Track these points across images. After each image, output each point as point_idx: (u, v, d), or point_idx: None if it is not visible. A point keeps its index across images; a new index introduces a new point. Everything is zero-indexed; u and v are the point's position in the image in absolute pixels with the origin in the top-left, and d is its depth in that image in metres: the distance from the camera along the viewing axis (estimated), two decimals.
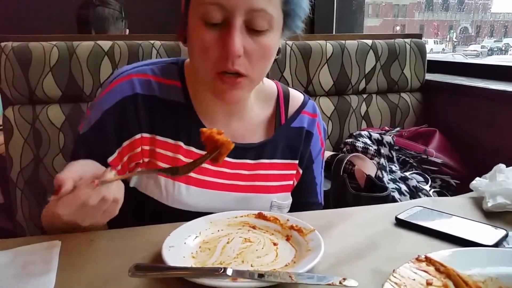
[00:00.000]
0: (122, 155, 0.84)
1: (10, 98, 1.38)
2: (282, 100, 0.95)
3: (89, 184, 0.62)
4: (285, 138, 0.93)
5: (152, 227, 0.78)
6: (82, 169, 0.67)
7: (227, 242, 0.70)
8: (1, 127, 1.40)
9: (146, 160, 0.86)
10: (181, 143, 0.86)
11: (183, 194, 0.85)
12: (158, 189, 0.85)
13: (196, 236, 0.72)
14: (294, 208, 0.95)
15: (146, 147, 0.85)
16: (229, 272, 0.57)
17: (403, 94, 1.79)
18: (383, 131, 1.60)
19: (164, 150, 0.85)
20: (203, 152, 0.86)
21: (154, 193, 0.85)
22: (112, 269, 0.63)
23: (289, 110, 0.95)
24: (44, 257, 0.65)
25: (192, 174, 0.86)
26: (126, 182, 0.86)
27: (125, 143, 0.84)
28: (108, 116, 0.83)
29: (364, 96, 1.74)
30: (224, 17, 0.74)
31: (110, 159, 0.83)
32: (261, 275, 0.57)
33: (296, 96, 0.98)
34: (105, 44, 1.44)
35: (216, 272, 0.57)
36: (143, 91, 0.84)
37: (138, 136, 0.84)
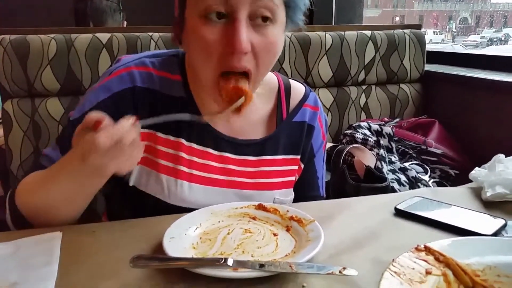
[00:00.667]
0: None
1: (9, 91, 1.38)
2: (283, 93, 0.94)
3: (126, 121, 0.63)
4: (286, 133, 0.92)
5: (153, 218, 0.78)
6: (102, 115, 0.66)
7: (228, 233, 0.70)
8: (1, 120, 1.40)
9: (142, 155, 0.84)
10: (183, 140, 0.85)
11: (186, 191, 0.84)
12: (159, 187, 0.84)
13: (197, 227, 0.72)
14: (296, 202, 0.95)
15: (143, 143, 0.84)
16: (230, 262, 0.57)
17: (402, 85, 1.79)
18: (383, 122, 1.61)
19: (166, 148, 0.84)
20: (205, 149, 0.86)
21: (156, 191, 0.84)
22: (113, 260, 0.63)
23: (291, 103, 0.94)
24: (45, 248, 0.65)
25: (194, 171, 0.85)
26: (125, 181, 0.86)
27: None
28: (104, 106, 0.81)
29: (364, 87, 1.74)
30: (227, 11, 0.71)
31: None
32: (261, 265, 0.57)
33: (298, 89, 0.96)
34: (103, 37, 1.43)
35: (217, 262, 0.58)
36: (143, 84, 0.83)
37: None
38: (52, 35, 1.40)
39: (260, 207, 0.78)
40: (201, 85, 0.85)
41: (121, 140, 0.62)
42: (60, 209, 0.74)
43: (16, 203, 0.76)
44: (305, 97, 0.95)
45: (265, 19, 0.73)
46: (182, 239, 0.67)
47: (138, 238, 0.70)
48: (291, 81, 0.97)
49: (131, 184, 0.85)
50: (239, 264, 0.58)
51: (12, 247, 0.66)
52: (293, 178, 0.95)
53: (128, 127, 0.63)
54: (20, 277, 0.58)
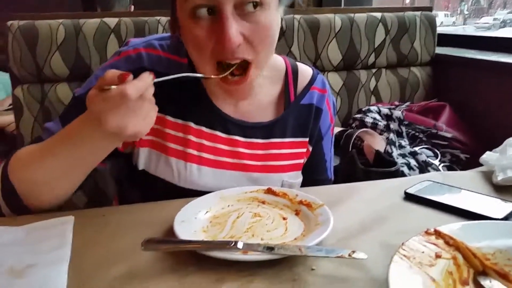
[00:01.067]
0: None
1: (18, 77, 1.39)
2: (291, 76, 0.93)
3: (147, 76, 0.62)
4: (295, 116, 0.92)
5: (163, 202, 0.78)
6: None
7: (237, 217, 0.71)
8: (12, 106, 1.42)
9: (147, 138, 0.84)
10: (191, 123, 0.85)
11: (195, 174, 0.85)
12: (169, 170, 0.84)
13: (207, 211, 0.72)
14: (304, 184, 0.95)
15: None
16: (240, 245, 0.58)
17: (413, 68, 1.77)
18: (393, 106, 1.59)
19: (174, 131, 0.85)
20: (214, 132, 0.86)
21: (165, 174, 0.85)
22: (125, 243, 0.64)
23: (298, 86, 0.93)
24: (58, 232, 0.66)
25: (203, 154, 0.86)
26: (135, 165, 0.86)
27: None
28: None
29: (374, 70, 1.72)
30: (212, 6, 0.69)
31: None
32: (271, 248, 0.58)
33: (305, 71, 0.96)
34: (111, 21, 1.43)
35: (227, 245, 0.58)
36: (152, 66, 0.83)
37: None
38: (60, 20, 1.40)
39: (269, 191, 0.78)
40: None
41: (144, 94, 0.62)
42: (59, 182, 0.72)
43: (9, 178, 0.73)
44: (312, 80, 0.95)
45: (253, 5, 0.71)
46: (192, 222, 0.68)
47: (149, 221, 0.71)
48: (299, 64, 0.96)
49: (140, 168, 0.85)
50: (249, 247, 0.58)
51: (25, 230, 0.67)
52: (301, 161, 0.95)
53: (150, 82, 0.62)
54: (34, 259, 0.59)
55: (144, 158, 0.85)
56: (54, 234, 0.66)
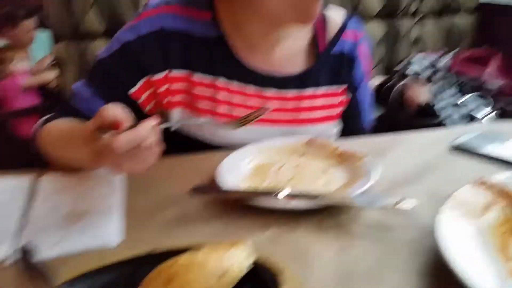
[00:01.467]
0: (145, 89, 0.81)
1: (57, 34, 1.41)
2: (320, 23, 0.88)
3: (147, 124, 0.57)
4: (326, 65, 0.88)
5: (206, 154, 0.79)
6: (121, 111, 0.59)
7: (279, 168, 0.71)
8: (52, 63, 1.45)
9: (175, 99, 0.83)
10: (220, 80, 0.83)
11: (228, 131, 0.84)
12: (201, 129, 0.84)
13: (249, 162, 0.73)
14: (339, 134, 0.94)
15: (176, 86, 0.82)
16: (284, 194, 0.58)
17: (458, 16, 1.67)
18: (437, 55, 1.51)
19: (203, 88, 0.83)
20: (244, 86, 0.84)
21: (198, 133, 0.84)
22: (173, 191, 0.66)
23: (328, 35, 0.89)
24: (109, 180, 0.69)
25: (234, 110, 0.84)
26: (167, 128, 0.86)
27: (150, 78, 0.81)
28: (129, 48, 0.79)
29: (416, 19, 1.64)
30: None
31: (131, 91, 0.80)
32: (315, 197, 0.58)
33: (335, 18, 0.90)
34: None
35: (271, 194, 0.59)
36: (171, 26, 0.80)
37: (163, 73, 0.81)
38: None
39: (310, 143, 0.77)
40: (241, 20, 0.81)
41: (141, 144, 0.56)
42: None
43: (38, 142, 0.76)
44: (343, 27, 0.90)
45: None
46: (235, 172, 0.69)
47: (193, 171, 0.72)
48: (328, 9, 0.91)
49: (173, 129, 0.85)
50: (293, 196, 0.59)
51: (76, 180, 0.70)
52: (337, 111, 0.92)
53: (149, 131, 0.56)
54: (89, 206, 0.62)
55: (176, 119, 0.85)
56: (105, 182, 0.68)
